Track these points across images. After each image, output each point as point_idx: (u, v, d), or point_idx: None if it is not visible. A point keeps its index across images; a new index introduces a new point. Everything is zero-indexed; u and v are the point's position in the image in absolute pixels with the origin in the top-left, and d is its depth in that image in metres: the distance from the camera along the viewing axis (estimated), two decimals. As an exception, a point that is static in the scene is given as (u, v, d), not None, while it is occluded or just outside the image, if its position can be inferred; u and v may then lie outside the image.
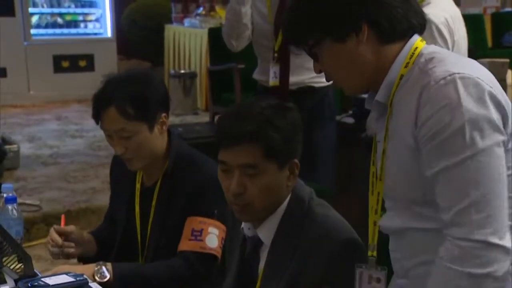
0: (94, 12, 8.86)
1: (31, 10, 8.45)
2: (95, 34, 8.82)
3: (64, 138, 6.61)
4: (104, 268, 2.04)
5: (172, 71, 7.62)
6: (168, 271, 2.09)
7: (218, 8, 7.85)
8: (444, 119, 1.40)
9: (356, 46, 1.50)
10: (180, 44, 7.87)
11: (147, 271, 2.12)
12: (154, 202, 2.22)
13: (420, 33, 1.56)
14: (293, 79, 3.26)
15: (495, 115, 1.41)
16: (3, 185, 2.27)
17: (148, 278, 2.10)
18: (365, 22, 1.49)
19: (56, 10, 8.71)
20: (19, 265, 1.87)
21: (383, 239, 1.98)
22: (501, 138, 1.42)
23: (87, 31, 8.80)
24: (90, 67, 8.48)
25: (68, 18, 8.78)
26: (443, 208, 1.42)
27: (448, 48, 2.80)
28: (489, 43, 6.64)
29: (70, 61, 8.47)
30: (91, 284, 1.85)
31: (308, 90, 3.27)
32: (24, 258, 1.87)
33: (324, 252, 1.65)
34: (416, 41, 1.54)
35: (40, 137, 6.62)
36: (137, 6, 8.93)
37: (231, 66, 5.52)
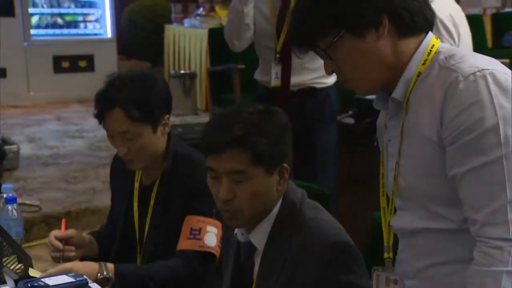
0: (94, 13, 8.86)
1: (31, 10, 8.44)
2: (95, 34, 8.81)
3: (64, 138, 6.61)
4: (105, 268, 2.05)
5: (172, 72, 7.62)
6: (167, 270, 2.09)
7: (218, 8, 7.85)
8: (475, 116, 1.37)
9: (376, 42, 1.47)
10: (180, 45, 7.87)
11: (147, 271, 2.12)
12: (152, 201, 2.23)
13: (431, 28, 1.54)
14: (294, 80, 3.25)
15: None
16: (3, 186, 2.29)
17: (148, 278, 2.10)
18: (386, 15, 1.46)
19: (56, 10, 8.70)
20: (19, 265, 1.86)
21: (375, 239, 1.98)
22: None
23: (87, 31, 8.79)
24: (90, 67, 8.48)
25: (68, 18, 8.78)
26: (474, 208, 1.40)
27: (454, 41, 2.80)
28: (489, 44, 6.62)
29: (70, 62, 8.47)
30: (90, 284, 1.85)
31: (309, 91, 3.27)
32: (24, 259, 1.87)
33: (313, 256, 1.63)
34: (432, 38, 1.52)
35: (40, 137, 6.62)
36: (137, 7, 8.93)
37: (231, 66, 5.51)
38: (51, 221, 4.38)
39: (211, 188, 1.71)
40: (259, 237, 1.72)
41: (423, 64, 1.49)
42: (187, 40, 7.69)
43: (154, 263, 2.15)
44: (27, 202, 4.53)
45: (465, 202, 1.42)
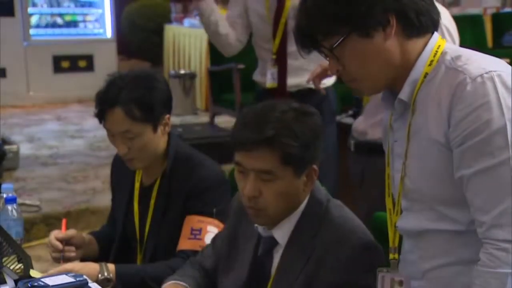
0: (94, 13, 8.85)
1: (30, 10, 8.44)
2: (95, 34, 8.80)
3: (64, 138, 6.61)
4: (106, 268, 2.05)
5: (172, 72, 7.61)
6: (169, 271, 2.08)
7: (218, 8, 7.84)
8: (482, 118, 1.37)
9: (383, 42, 1.46)
10: (180, 45, 7.88)
11: (148, 271, 2.12)
12: (153, 201, 2.23)
13: (436, 29, 1.53)
14: (292, 81, 3.25)
15: None
16: (3, 186, 2.26)
17: (149, 278, 2.10)
18: (393, 15, 1.45)
19: (55, 10, 8.70)
20: (19, 265, 1.86)
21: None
22: None
23: (87, 31, 8.78)
24: (89, 67, 8.48)
25: (67, 18, 8.77)
26: (481, 209, 1.39)
27: (453, 39, 2.81)
28: (489, 43, 6.65)
29: (70, 62, 8.47)
30: (90, 284, 1.84)
31: (308, 92, 3.25)
32: (24, 259, 1.87)
33: (341, 255, 1.61)
34: (438, 39, 1.52)
35: (39, 137, 6.62)
36: (137, 6, 8.93)
37: (231, 66, 5.53)
38: (51, 221, 4.38)
39: (238, 181, 1.69)
40: (282, 232, 1.70)
41: (430, 64, 1.48)
42: (187, 40, 7.70)
43: (155, 263, 2.15)
44: (27, 202, 4.52)
45: (472, 203, 1.41)
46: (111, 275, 2.03)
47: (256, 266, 1.77)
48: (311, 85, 3.27)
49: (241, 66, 5.38)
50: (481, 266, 1.38)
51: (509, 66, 1.45)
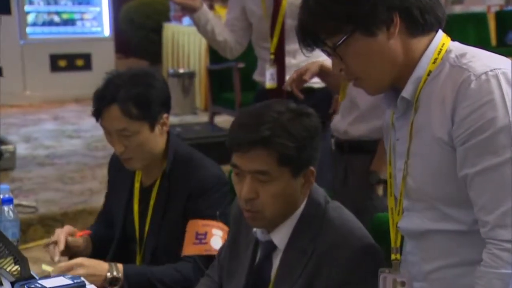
0: (92, 11, 8.87)
1: (27, 8, 8.45)
2: (93, 32, 8.81)
3: (61, 138, 6.62)
4: (115, 267, 2.07)
5: (170, 70, 7.62)
6: (177, 274, 2.10)
7: (217, 7, 7.82)
8: (487, 116, 1.37)
9: (387, 40, 1.46)
10: (179, 43, 7.88)
11: (156, 273, 2.12)
12: (152, 202, 2.23)
13: (441, 27, 1.53)
14: None
15: None
16: None
17: (157, 280, 2.10)
18: (397, 13, 1.45)
19: (52, 8, 8.70)
20: (16, 267, 1.87)
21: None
22: None
23: (85, 29, 8.77)
24: (87, 66, 8.49)
25: (65, 16, 8.78)
26: (484, 209, 1.39)
27: None
28: (493, 41, 6.74)
29: (67, 60, 8.47)
30: (88, 286, 1.85)
31: (307, 91, 3.23)
32: (21, 260, 1.87)
33: (341, 257, 1.61)
34: (443, 37, 1.52)
35: (36, 137, 6.62)
36: (135, 5, 8.96)
37: (231, 65, 5.55)
38: (47, 222, 4.39)
39: (234, 184, 1.70)
40: (280, 236, 1.70)
41: (434, 62, 1.48)
42: (186, 38, 7.70)
43: (163, 266, 2.14)
44: (24, 203, 4.52)
45: (475, 203, 1.41)
46: (120, 274, 2.05)
47: (255, 271, 1.76)
48: (310, 84, 3.24)
49: (241, 65, 5.43)
50: (484, 267, 1.39)
51: None
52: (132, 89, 2.11)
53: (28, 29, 8.41)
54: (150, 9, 8.80)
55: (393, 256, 1.57)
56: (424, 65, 1.49)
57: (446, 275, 1.51)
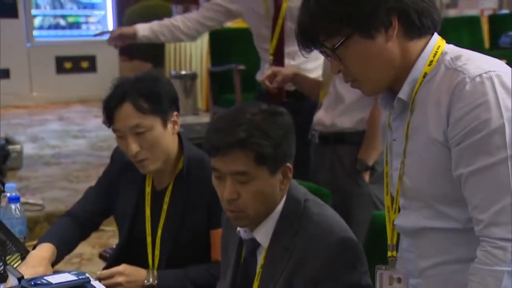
0: (96, 14, 8.89)
1: (34, 12, 8.50)
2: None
3: (66, 138, 6.65)
4: (152, 274, 2.10)
5: (173, 72, 7.63)
6: (210, 277, 2.08)
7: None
8: (481, 117, 1.37)
9: (385, 43, 1.46)
10: (181, 46, 7.89)
11: (189, 275, 2.12)
12: (165, 206, 2.19)
13: (437, 29, 1.54)
14: None
15: None
16: (6, 185, 2.27)
17: (190, 282, 2.11)
18: (396, 16, 1.45)
19: (58, 12, 8.75)
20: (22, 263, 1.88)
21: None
22: None
23: (89, 32, 8.81)
24: (92, 68, 8.53)
25: (70, 19, 8.81)
26: (479, 208, 1.39)
27: None
28: (486, 45, 6.60)
29: (73, 62, 8.52)
30: (93, 282, 1.86)
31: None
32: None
33: (319, 251, 1.62)
34: (438, 39, 1.52)
35: (42, 137, 6.65)
36: (139, 8, 8.94)
37: (232, 67, 5.49)
38: (53, 220, 4.24)
39: (216, 187, 1.72)
40: (263, 234, 1.72)
41: (429, 65, 1.49)
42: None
43: (196, 267, 2.14)
44: (30, 201, 4.55)
45: (470, 202, 1.41)
46: (155, 281, 2.08)
47: (241, 269, 1.79)
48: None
49: (242, 66, 5.33)
50: (478, 264, 1.39)
51: (509, 67, 1.45)
52: (140, 84, 2.10)
53: (35, 32, 8.46)
54: (153, 12, 8.73)
55: (389, 253, 1.57)
56: (420, 67, 1.49)
57: (442, 271, 1.51)
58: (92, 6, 8.91)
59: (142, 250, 2.20)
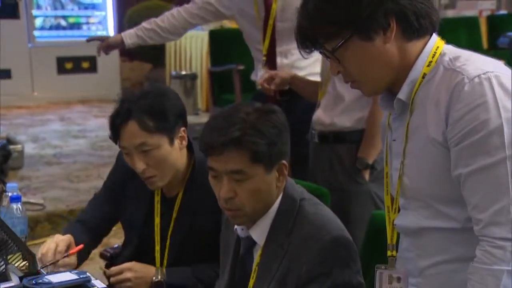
0: (97, 15, 8.89)
1: (35, 12, 8.50)
2: (98, 36, 8.86)
3: (67, 138, 6.66)
4: (161, 272, 2.13)
5: (173, 73, 7.64)
6: (216, 276, 2.07)
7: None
8: (480, 118, 1.38)
9: (383, 44, 1.47)
10: (181, 46, 7.89)
11: (196, 273, 2.15)
12: (175, 214, 2.18)
13: (436, 30, 1.55)
14: None
15: None
16: (8, 184, 2.28)
17: (198, 280, 2.13)
18: (394, 18, 1.46)
19: (59, 12, 8.75)
20: (24, 262, 1.88)
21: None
22: None
23: (90, 33, 8.74)
24: (93, 68, 8.53)
25: (71, 20, 8.81)
26: (478, 207, 1.40)
27: None
28: (485, 45, 6.60)
29: (73, 63, 8.51)
30: (93, 281, 1.85)
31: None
32: (29, 256, 1.88)
33: (312, 249, 1.64)
34: (437, 40, 1.53)
35: (44, 137, 6.66)
36: (139, 9, 8.94)
37: (231, 67, 5.51)
38: (54, 219, 4.42)
39: (213, 187, 1.73)
40: (259, 232, 1.74)
41: (428, 65, 1.49)
42: (188, 41, 7.71)
43: (201, 265, 2.15)
44: (31, 200, 4.55)
45: (469, 202, 1.42)
46: (164, 278, 2.11)
47: (238, 266, 1.81)
48: None
49: (241, 67, 5.34)
50: (477, 263, 1.40)
51: (507, 68, 1.46)
52: (146, 101, 2.06)
53: (36, 33, 8.46)
54: (153, 13, 8.68)
55: (389, 253, 1.58)
56: (419, 68, 1.49)
57: (441, 271, 1.52)
58: (93, 7, 8.91)
59: (150, 257, 2.20)
